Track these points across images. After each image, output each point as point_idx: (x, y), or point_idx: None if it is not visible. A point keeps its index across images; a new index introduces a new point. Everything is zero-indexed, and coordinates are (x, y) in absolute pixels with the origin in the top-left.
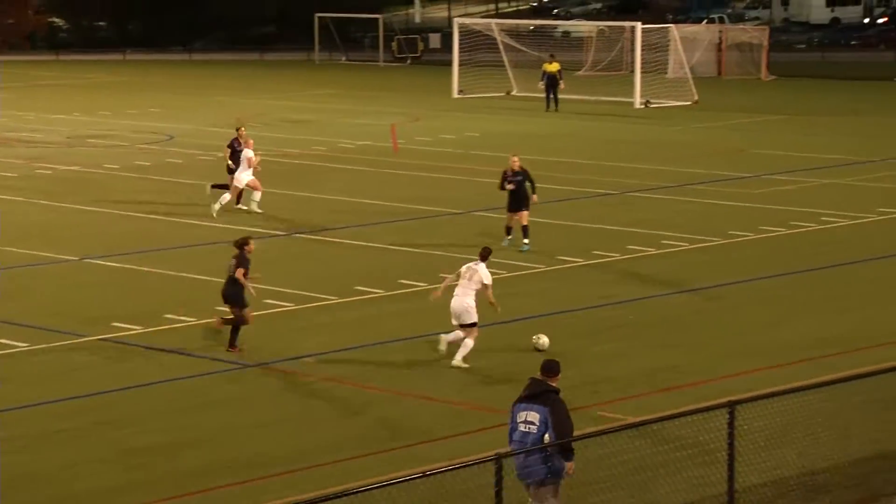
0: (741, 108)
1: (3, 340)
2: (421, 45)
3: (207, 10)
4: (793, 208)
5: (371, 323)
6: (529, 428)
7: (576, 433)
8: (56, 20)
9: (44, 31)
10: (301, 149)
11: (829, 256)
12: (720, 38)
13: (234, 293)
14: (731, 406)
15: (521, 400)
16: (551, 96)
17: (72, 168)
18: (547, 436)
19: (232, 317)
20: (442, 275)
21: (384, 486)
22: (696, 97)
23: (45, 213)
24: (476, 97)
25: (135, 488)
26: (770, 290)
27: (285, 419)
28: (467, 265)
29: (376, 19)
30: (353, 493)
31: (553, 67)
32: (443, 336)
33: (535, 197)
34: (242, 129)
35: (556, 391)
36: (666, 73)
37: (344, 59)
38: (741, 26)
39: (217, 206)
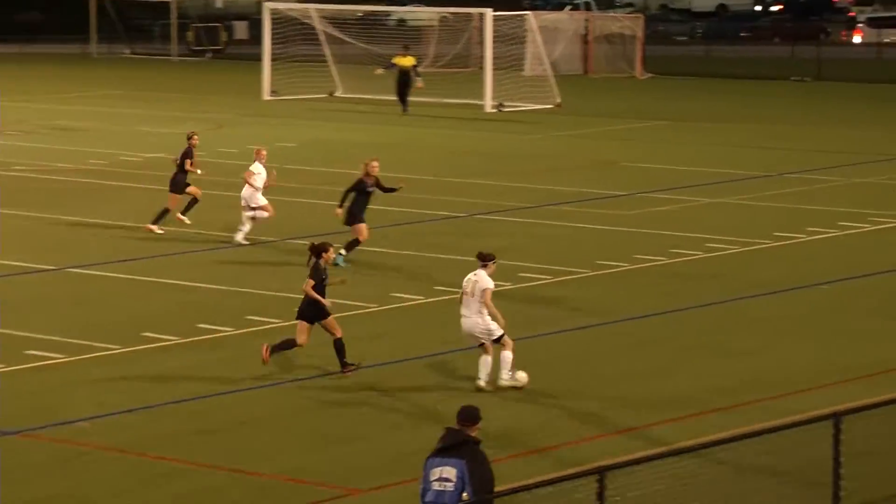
0: (612, 112)
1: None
2: (224, 36)
3: None
4: (674, 233)
5: (163, 378)
6: (445, 486)
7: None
8: None
9: None
10: (74, 163)
11: (717, 291)
12: (586, 29)
13: (315, 309)
14: (601, 473)
15: (435, 454)
16: (407, 97)
17: None
18: (465, 494)
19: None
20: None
21: None
22: (558, 99)
23: None
24: (292, 99)
25: None
26: (647, 331)
27: (52, 500)
28: (468, 278)
29: (167, 3)
30: None
31: (407, 62)
32: (481, 378)
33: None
34: (196, 136)
35: (476, 442)
36: (522, 70)
37: (128, 52)
38: (611, 14)
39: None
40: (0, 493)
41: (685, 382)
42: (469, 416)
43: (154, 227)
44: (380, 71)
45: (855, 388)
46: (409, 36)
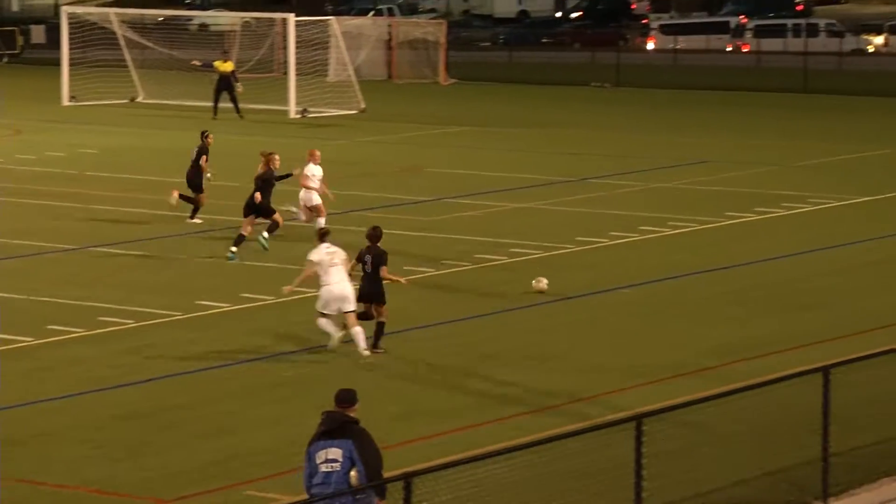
0: (416, 117)
1: None
2: (20, 40)
3: None
4: (478, 238)
5: None
6: (332, 466)
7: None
8: None
9: None
10: None
11: (526, 296)
12: (390, 35)
13: (377, 291)
14: (408, 479)
15: (318, 437)
16: (231, 102)
17: None
18: (353, 471)
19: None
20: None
21: None
22: (362, 105)
23: None
24: (92, 105)
25: None
26: (450, 339)
27: None
28: (324, 250)
29: None
30: None
31: (227, 67)
32: (334, 336)
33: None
34: (210, 135)
35: (356, 421)
36: (327, 75)
37: None
38: (414, 20)
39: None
40: None
41: (471, 392)
42: (346, 398)
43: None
44: (196, 62)
45: (658, 389)
46: (211, 41)
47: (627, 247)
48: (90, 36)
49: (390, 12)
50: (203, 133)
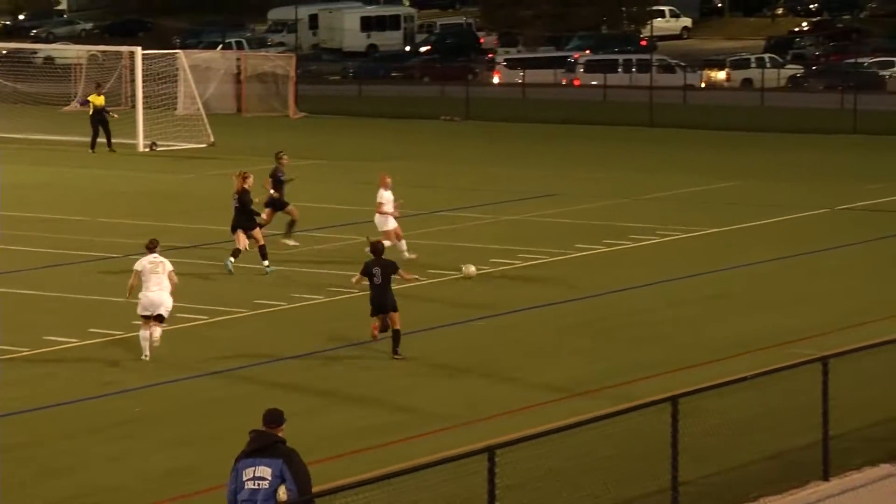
0: (266, 151)
1: None
2: None
3: None
4: (331, 271)
5: None
6: (260, 484)
7: None
8: None
9: None
10: None
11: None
12: (239, 68)
13: (390, 300)
14: None
15: (246, 455)
16: (99, 136)
17: None
18: (281, 489)
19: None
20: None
21: None
22: (211, 138)
23: None
24: None
25: None
26: (297, 374)
27: None
28: (148, 259)
29: None
30: None
31: (101, 100)
32: (144, 340)
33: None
34: (285, 156)
35: (284, 441)
36: (175, 109)
37: None
38: (263, 53)
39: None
40: None
41: (333, 425)
42: (274, 418)
43: (289, 241)
44: (75, 105)
45: (512, 421)
46: (57, 74)
47: (478, 279)
48: None
49: (239, 46)
50: (277, 155)
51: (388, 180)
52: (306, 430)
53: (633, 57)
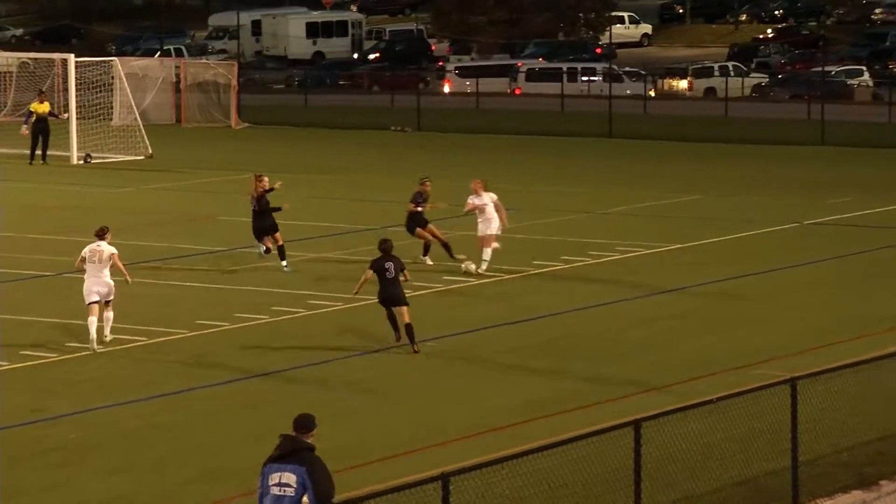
0: (206, 163)
1: None
2: None
3: None
4: (276, 290)
5: None
6: (285, 490)
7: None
8: None
9: None
10: None
11: (318, 352)
12: (178, 76)
13: (401, 294)
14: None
15: (272, 460)
16: (42, 148)
17: None
18: (305, 498)
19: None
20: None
21: None
22: (149, 150)
23: None
24: None
25: None
26: (241, 399)
27: None
28: (90, 248)
29: None
30: None
31: (44, 108)
32: (91, 325)
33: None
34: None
35: (312, 448)
36: (111, 119)
37: None
38: (204, 61)
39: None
40: None
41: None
42: (305, 424)
43: (427, 259)
44: (24, 130)
45: (467, 445)
46: None
47: (433, 297)
48: None
49: (178, 53)
50: (421, 180)
51: (479, 184)
52: (248, 456)
53: (579, 65)
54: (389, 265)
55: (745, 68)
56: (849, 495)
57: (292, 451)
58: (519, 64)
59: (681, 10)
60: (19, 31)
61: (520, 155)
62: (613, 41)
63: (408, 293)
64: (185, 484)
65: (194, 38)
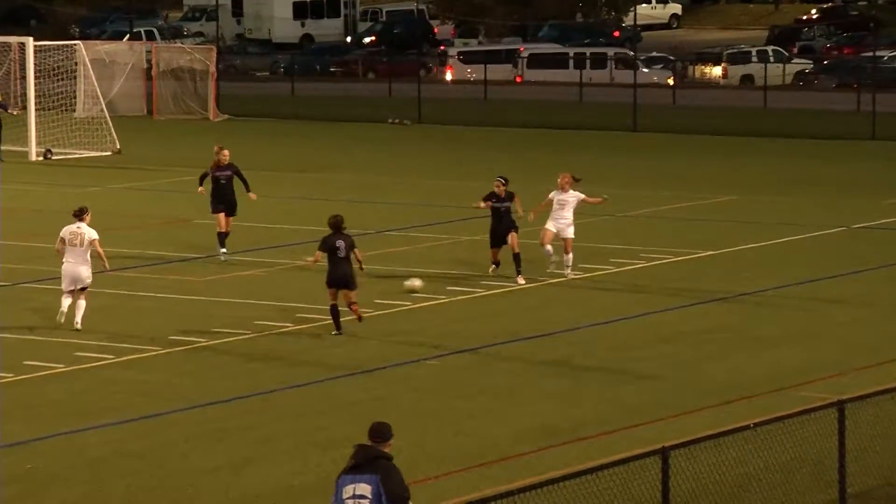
0: (181, 160)
1: None
2: None
3: None
4: (259, 301)
5: None
6: (360, 502)
7: None
8: None
9: None
10: None
11: (309, 369)
12: (149, 63)
13: (351, 275)
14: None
15: (347, 471)
16: None
17: None
18: None
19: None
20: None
21: None
22: (117, 145)
23: None
24: None
25: None
26: (231, 419)
27: None
28: (69, 230)
29: None
30: None
31: None
32: (67, 320)
33: (252, 195)
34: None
35: (389, 458)
36: (74, 110)
37: None
38: (179, 45)
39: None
40: None
41: (272, 475)
42: (380, 432)
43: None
44: None
45: (461, 481)
46: None
47: (431, 310)
48: None
49: (150, 36)
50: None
51: (566, 180)
52: (232, 484)
53: (587, 51)
54: (340, 243)
55: (786, 53)
56: None
57: (367, 461)
58: (521, 49)
59: None
60: None
61: (531, 150)
62: (639, 23)
63: (407, 303)
64: None
65: (168, 20)
